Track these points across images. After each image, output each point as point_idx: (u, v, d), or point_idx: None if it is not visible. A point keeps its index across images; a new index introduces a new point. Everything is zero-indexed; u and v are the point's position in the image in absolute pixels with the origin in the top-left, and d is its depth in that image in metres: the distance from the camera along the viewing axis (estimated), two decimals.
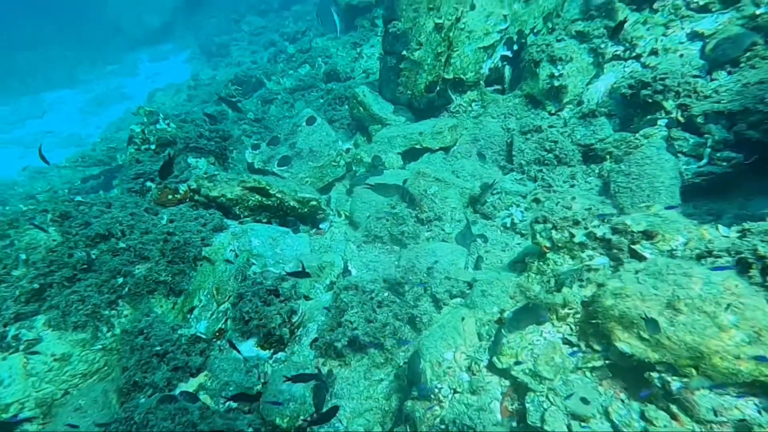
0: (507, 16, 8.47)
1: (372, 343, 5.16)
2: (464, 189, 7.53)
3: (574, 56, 7.77)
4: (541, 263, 5.01)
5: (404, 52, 9.09)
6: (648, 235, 4.42)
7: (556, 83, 7.82)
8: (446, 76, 8.97)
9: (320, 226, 8.21)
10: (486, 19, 8.44)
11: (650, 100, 6.77)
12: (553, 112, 8.13)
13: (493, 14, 8.40)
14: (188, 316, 6.34)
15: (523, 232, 7.10)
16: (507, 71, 9.16)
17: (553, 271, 4.86)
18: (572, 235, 4.81)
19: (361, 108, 9.69)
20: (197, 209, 7.44)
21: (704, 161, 6.14)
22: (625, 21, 7.45)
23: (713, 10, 7.23)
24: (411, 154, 8.97)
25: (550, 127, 7.68)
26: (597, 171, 7.21)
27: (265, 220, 7.89)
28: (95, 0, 38.06)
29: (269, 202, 7.71)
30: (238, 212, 7.85)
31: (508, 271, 5.69)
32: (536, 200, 7.29)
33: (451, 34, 8.49)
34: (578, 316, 4.19)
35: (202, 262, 6.95)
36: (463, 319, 4.82)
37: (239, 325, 5.97)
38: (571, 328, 4.18)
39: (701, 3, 7.28)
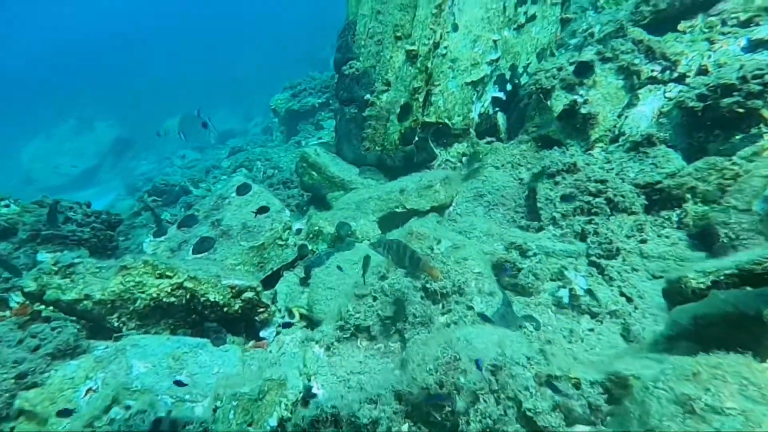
0: (497, 42, 6.68)
1: None
2: (484, 252, 4.76)
3: (598, 79, 5.84)
4: None
5: (367, 97, 6.93)
6: None
7: (583, 111, 5.72)
8: (427, 120, 6.75)
9: (261, 334, 4.95)
10: (473, 44, 6.58)
11: (741, 110, 4.70)
12: (576, 151, 5.90)
13: (481, 39, 6.58)
14: None
15: (593, 309, 4.27)
16: (501, 119, 7.13)
17: None
18: None
19: (313, 172, 7.11)
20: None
21: None
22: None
23: (761, 23, 5.76)
24: (390, 222, 6.26)
25: (588, 164, 5.36)
26: (675, 218, 4.76)
27: (165, 332, 4.59)
28: (10, 152, 35.42)
29: (172, 299, 4.49)
30: (116, 323, 4.54)
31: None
32: (594, 263, 4.63)
33: (429, 64, 6.48)
34: None
35: (15, 423, 3.49)
36: None
37: None
38: None
39: (743, 18, 5.81)
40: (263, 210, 5.98)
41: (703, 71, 5.53)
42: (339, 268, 5.13)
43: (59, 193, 32.26)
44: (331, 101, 16.48)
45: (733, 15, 5.81)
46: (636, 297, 4.15)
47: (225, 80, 43.04)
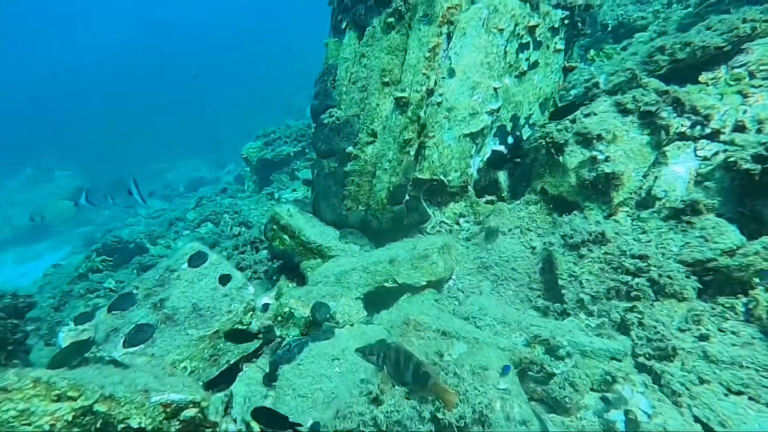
0: (498, 90, 5.88)
1: None
2: (502, 349, 3.67)
3: (619, 134, 5.03)
4: None
5: (350, 149, 5.97)
6: None
7: (606, 170, 4.84)
8: (419, 176, 5.79)
9: None
10: (471, 92, 5.76)
11: None
12: (597, 216, 4.99)
13: (481, 86, 5.77)
14: None
15: None
16: (502, 175, 6.25)
17: None
18: None
19: (285, 236, 5.98)
20: None
21: None
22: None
23: None
24: (378, 301, 5.15)
25: (618, 234, 4.44)
26: (741, 307, 3.81)
27: None
28: None
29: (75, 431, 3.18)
30: None
31: None
32: (643, 367, 3.61)
33: (422, 113, 5.60)
34: None
35: None
36: None
37: None
38: None
39: None
40: (225, 279, 4.82)
41: (740, 127, 4.78)
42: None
43: (10, 247, 30.08)
44: (307, 150, 15.60)
45: (762, 67, 5.17)
46: (718, 426, 3.08)
47: (197, 127, 42.15)
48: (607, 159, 4.80)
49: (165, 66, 54.94)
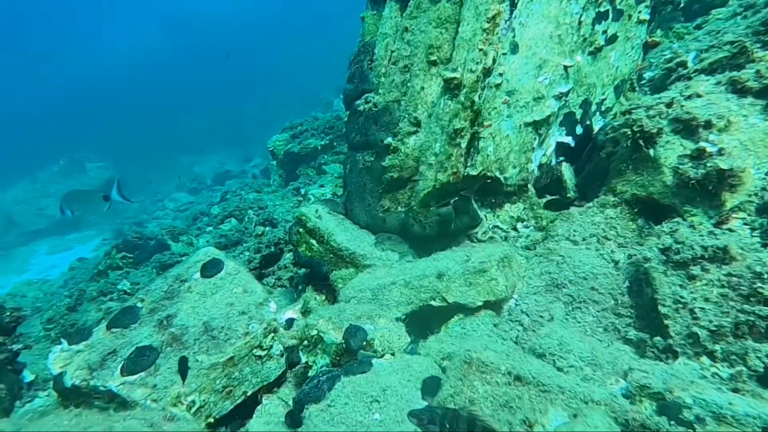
0: (569, 70, 4.90)
1: None
2: (595, 401, 2.74)
3: (734, 119, 3.98)
4: None
5: (389, 141, 5.10)
6: None
7: (721, 165, 3.80)
8: (471, 173, 4.87)
9: None
10: (537, 71, 4.80)
11: None
12: (705, 225, 3.96)
13: (548, 64, 4.80)
14: None
15: None
16: (567, 172, 5.28)
17: None
18: None
19: (313, 241, 5.16)
20: None
21: None
22: None
23: None
24: (423, 323, 4.28)
25: (746, 250, 3.42)
26: None
27: None
28: None
29: None
30: None
31: None
32: None
33: (476, 97, 4.67)
34: None
35: None
36: None
37: None
38: None
39: None
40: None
41: None
42: None
43: (43, 237, 30.46)
44: (335, 143, 14.83)
45: None
46: None
47: (225, 121, 42.05)
48: (720, 152, 3.77)
49: (192, 61, 55.23)
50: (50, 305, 9.54)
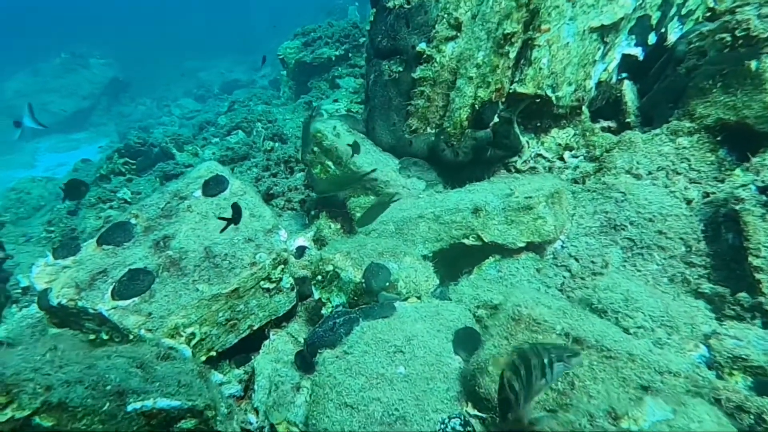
0: None
1: None
2: (681, 374, 2.27)
3: None
4: None
5: (422, 47, 4.30)
6: None
7: None
8: (520, 90, 4.12)
9: None
10: None
11: None
12: None
13: None
14: None
15: None
16: (629, 91, 4.49)
17: None
18: None
19: (329, 162, 4.55)
20: None
21: None
22: None
23: None
24: (454, 263, 3.79)
25: None
26: None
27: None
28: None
29: None
30: None
31: None
32: None
33: None
34: None
35: None
36: None
37: None
38: None
39: None
40: (236, 214, 3.44)
41: None
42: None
43: (47, 134, 29.85)
44: (351, 54, 13.64)
45: None
46: None
47: (234, 26, 39.52)
48: None
49: None
50: (51, 207, 9.21)
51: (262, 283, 3.49)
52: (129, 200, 7.20)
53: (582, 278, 3.34)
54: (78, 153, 27.57)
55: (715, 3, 4.58)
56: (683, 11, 4.49)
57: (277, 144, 7.61)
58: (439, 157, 4.56)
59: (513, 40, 3.97)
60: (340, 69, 13.48)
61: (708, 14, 4.58)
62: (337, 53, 13.70)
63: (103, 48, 31.71)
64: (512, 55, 4.06)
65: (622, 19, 4.05)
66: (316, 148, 4.59)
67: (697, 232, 3.23)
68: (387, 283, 3.28)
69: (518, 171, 4.50)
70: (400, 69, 4.56)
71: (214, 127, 14.66)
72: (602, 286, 2.92)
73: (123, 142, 10.64)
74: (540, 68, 4.10)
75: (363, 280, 3.29)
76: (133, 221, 3.77)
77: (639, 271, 3.25)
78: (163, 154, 10.34)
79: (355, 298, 3.38)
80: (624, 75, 4.55)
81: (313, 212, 5.00)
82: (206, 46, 37.71)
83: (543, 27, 3.93)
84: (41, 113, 29.77)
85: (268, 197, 5.78)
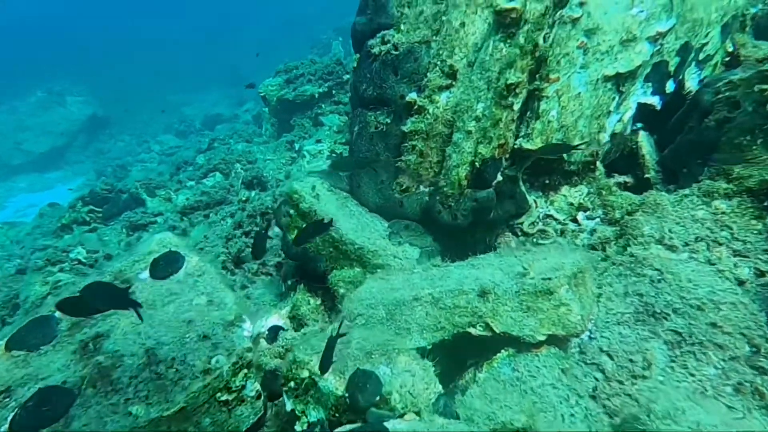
0: (676, 2, 3.47)
1: None
2: None
3: None
4: None
5: (412, 97, 3.73)
6: None
7: None
8: (526, 146, 3.55)
9: None
10: (631, 0, 3.37)
11: None
12: None
13: None
14: None
15: None
16: (646, 142, 3.96)
17: None
18: None
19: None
20: None
21: None
22: None
23: None
24: (457, 357, 3.11)
25: None
26: None
27: None
28: None
29: None
30: None
31: None
32: None
33: (540, 38, 3.29)
34: None
35: None
36: None
37: None
38: None
39: None
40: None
41: None
42: None
43: (22, 173, 28.86)
44: (334, 92, 13.22)
45: None
46: None
47: (218, 61, 39.33)
48: None
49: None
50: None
51: (219, 394, 2.76)
52: (84, 261, 6.41)
53: (620, 382, 2.68)
54: (52, 193, 26.51)
55: (733, 47, 4.15)
56: (701, 56, 4.02)
57: (253, 193, 6.92)
58: (434, 220, 3.93)
59: (517, 90, 3.42)
60: (323, 106, 13.04)
61: (727, 59, 4.14)
62: (320, 90, 13.29)
63: (82, 84, 31.10)
64: (516, 107, 3.51)
65: (642, 63, 3.54)
66: (292, 211, 3.93)
67: (762, 327, 2.61)
68: (377, 397, 2.58)
69: (525, 234, 3.89)
70: (388, 120, 3.98)
71: (192, 166, 14.03)
72: (659, 411, 2.25)
73: (88, 190, 9.86)
74: (549, 121, 3.55)
75: (347, 394, 2.59)
76: (57, 314, 3.03)
77: (692, 375, 2.61)
78: (133, 201, 9.59)
79: (337, 414, 2.66)
80: (639, 125, 4.03)
81: (290, 281, 4.30)
82: (192, 79, 37.39)
83: (552, 77, 3.40)
84: (16, 152, 28.85)
85: (238, 262, 5.09)
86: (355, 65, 4.24)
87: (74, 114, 30.05)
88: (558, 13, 3.33)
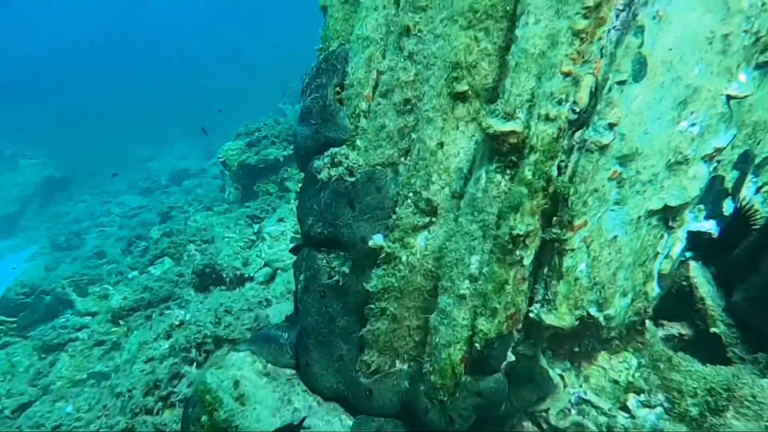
0: (731, 103, 2.44)
1: None
2: None
3: None
4: None
5: (376, 241, 2.58)
6: None
7: None
8: (549, 322, 2.40)
9: None
10: (678, 112, 2.32)
11: None
12: None
13: (700, 95, 2.33)
14: None
15: None
16: (701, 278, 2.87)
17: None
18: None
19: None
20: None
21: None
22: None
23: None
24: None
25: None
26: None
27: None
28: None
29: None
30: None
31: None
32: None
33: (554, 170, 2.19)
34: None
35: None
36: None
37: None
38: None
39: None
40: None
41: None
42: None
43: None
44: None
45: None
46: None
47: (185, 111, 38.21)
48: None
49: (151, 45, 50.41)
50: None
51: None
52: None
53: None
54: (3, 264, 24.60)
55: None
56: (757, 160, 2.99)
57: (188, 316, 5.50)
58: (418, 418, 2.71)
59: (525, 242, 2.30)
60: (289, 170, 11.97)
61: None
62: (285, 153, 12.22)
63: (35, 146, 29.55)
64: (527, 261, 2.38)
65: (697, 195, 2.47)
66: (204, 418, 2.66)
67: None
68: None
69: (555, 428, 2.70)
70: (345, 270, 2.81)
71: (144, 241, 12.70)
72: None
73: (1, 295, 8.30)
74: (576, 279, 2.42)
75: None
76: None
77: None
78: (58, 303, 8.10)
79: None
80: (689, 255, 2.95)
81: None
82: (159, 130, 36.25)
83: (576, 223, 2.29)
84: None
85: None
86: (299, 191, 3.09)
87: (27, 178, 28.49)
88: (578, 136, 2.25)
